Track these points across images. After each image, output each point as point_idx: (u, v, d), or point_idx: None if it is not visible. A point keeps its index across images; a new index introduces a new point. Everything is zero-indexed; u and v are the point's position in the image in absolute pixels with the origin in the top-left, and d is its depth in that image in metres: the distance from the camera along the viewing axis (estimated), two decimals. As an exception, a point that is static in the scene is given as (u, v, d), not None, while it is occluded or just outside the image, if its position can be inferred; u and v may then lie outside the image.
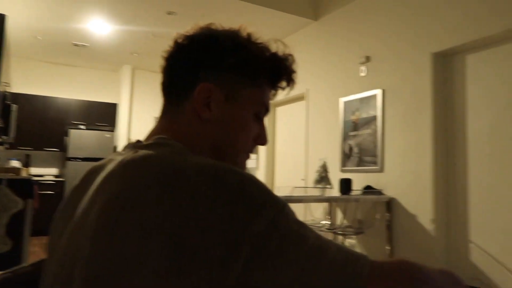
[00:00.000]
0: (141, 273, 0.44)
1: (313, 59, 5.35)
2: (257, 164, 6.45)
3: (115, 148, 6.99)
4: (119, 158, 0.57)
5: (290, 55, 0.69)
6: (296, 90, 4.62)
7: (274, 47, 0.68)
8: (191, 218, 0.46)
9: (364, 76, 4.55)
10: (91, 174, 0.60)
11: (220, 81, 0.64)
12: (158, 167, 0.51)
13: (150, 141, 0.60)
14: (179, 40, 0.66)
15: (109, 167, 0.56)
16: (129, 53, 6.49)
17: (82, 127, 6.84)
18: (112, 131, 7.10)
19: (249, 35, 0.67)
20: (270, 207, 0.49)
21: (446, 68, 3.87)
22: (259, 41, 0.68)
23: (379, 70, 4.38)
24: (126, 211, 0.48)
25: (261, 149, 6.35)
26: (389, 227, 4.04)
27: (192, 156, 0.54)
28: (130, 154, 0.56)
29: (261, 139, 0.71)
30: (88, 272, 0.47)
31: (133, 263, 0.45)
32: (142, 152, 0.56)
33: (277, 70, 0.68)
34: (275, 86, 0.70)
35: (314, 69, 5.32)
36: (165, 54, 0.67)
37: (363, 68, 4.55)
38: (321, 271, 0.48)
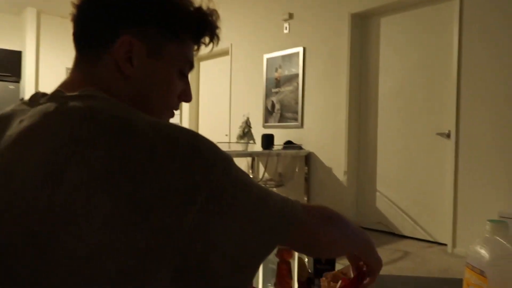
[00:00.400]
0: (90, 226, 0.43)
1: (237, 14, 5.26)
2: (180, 119, 6.35)
3: (21, 100, 6.38)
4: (38, 109, 0.51)
5: (215, 10, 0.67)
6: (220, 45, 4.53)
7: (198, 1, 0.66)
8: (147, 171, 0.46)
9: (287, 33, 4.59)
10: None
11: (143, 35, 0.60)
12: (107, 120, 0.48)
13: (77, 93, 0.54)
14: None
15: (27, 119, 0.51)
16: None
17: (-21, 76, 6.09)
18: (17, 82, 6.43)
19: None
20: (222, 160, 0.52)
21: (362, 30, 4.05)
22: None
23: (301, 27, 4.45)
24: (74, 164, 0.45)
25: (185, 104, 6.24)
26: (307, 179, 4.31)
27: (137, 111, 0.52)
28: (57, 106, 0.51)
29: (186, 96, 0.69)
30: (29, 226, 0.44)
31: (81, 216, 0.43)
32: (75, 103, 0.51)
33: (201, 24, 0.66)
34: (198, 42, 0.68)
35: (238, 24, 5.24)
36: (75, 1, 0.61)
37: (286, 25, 4.58)
38: (266, 215, 0.53)
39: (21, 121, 0.52)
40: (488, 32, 3.05)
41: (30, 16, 6.51)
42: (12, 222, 0.45)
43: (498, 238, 0.81)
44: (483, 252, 0.81)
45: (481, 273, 0.79)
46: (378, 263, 0.72)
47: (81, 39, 0.62)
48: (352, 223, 0.69)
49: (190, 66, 0.68)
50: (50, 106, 0.52)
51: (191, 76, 6.08)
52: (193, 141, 0.51)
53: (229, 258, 0.51)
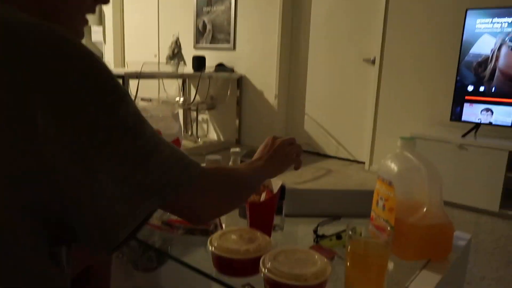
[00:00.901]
0: None
1: None
2: (103, 36, 5.87)
3: None
4: None
5: None
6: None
7: None
8: (26, 88, 0.41)
9: None
10: None
11: None
12: None
13: None
14: None
15: None
16: None
17: None
18: None
19: None
20: (112, 93, 0.47)
21: None
22: None
23: None
24: None
25: (108, 20, 5.73)
26: (239, 102, 4.33)
27: (22, 14, 0.46)
28: None
29: None
30: None
31: None
32: None
33: None
34: None
35: None
36: None
37: None
38: (150, 168, 0.48)
39: None
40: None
41: None
42: None
43: (406, 153, 0.90)
44: (393, 165, 0.90)
45: (390, 183, 0.88)
46: (288, 161, 0.82)
47: None
48: (246, 176, 0.71)
49: None
50: None
51: (113, -12, 5.48)
52: (87, 62, 0.46)
53: (93, 216, 0.46)
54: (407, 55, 3.24)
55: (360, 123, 3.68)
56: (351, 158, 3.81)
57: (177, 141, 1.00)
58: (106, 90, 0.46)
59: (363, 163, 3.65)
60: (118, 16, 5.75)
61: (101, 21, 5.89)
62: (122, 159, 0.46)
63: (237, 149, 1.00)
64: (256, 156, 0.80)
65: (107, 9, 5.72)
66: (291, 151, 0.83)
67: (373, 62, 3.47)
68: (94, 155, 0.44)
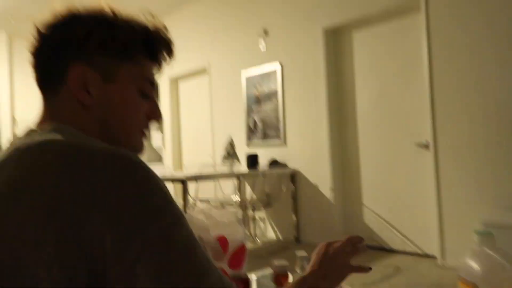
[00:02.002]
0: (35, 262, 0.44)
1: (213, 31, 5.27)
2: (163, 142, 6.30)
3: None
4: (15, 145, 0.55)
5: (162, 26, 0.68)
6: (197, 63, 4.58)
7: (143, 20, 0.67)
8: (87, 206, 0.46)
9: (262, 49, 4.61)
10: None
11: (92, 62, 0.61)
12: (59, 150, 0.51)
13: (44, 128, 0.58)
14: (42, 30, 0.63)
15: (4, 154, 0.55)
16: (1, 18, 5.65)
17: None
18: (-8, 107, 6.27)
19: (114, 12, 0.65)
20: (170, 216, 0.50)
21: (336, 44, 4.13)
22: (125, 16, 0.66)
23: (277, 43, 4.48)
24: (23, 195, 0.47)
25: (166, 127, 6.20)
26: (294, 198, 4.30)
27: (96, 141, 0.55)
28: (26, 141, 0.55)
29: (154, 114, 0.70)
30: None
31: (27, 251, 0.44)
32: (36, 137, 0.55)
33: (150, 42, 0.66)
34: (154, 60, 0.68)
35: (214, 42, 5.25)
36: (31, 49, 0.64)
37: (262, 41, 4.61)
38: None
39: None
40: (455, 40, 3.14)
41: (1, 41, 6.38)
42: None
43: (486, 249, 0.83)
44: (474, 265, 0.82)
45: (474, 286, 0.80)
46: (345, 274, 0.76)
47: (41, 81, 0.65)
48: None
49: (151, 84, 0.69)
50: (23, 141, 0.56)
51: (169, 97, 6.07)
52: (146, 179, 0.51)
53: None
54: (464, 135, 3.11)
55: (423, 212, 3.47)
56: (420, 252, 3.52)
57: (242, 248, 0.99)
58: (164, 212, 0.49)
59: (435, 257, 3.35)
60: (176, 122, 6.22)
61: (160, 128, 6.38)
62: (173, 282, 0.48)
63: (304, 253, 0.98)
64: (308, 268, 0.75)
65: (165, 116, 6.22)
66: (348, 260, 0.77)
67: (427, 146, 3.38)
68: (145, 276, 0.46)
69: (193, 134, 5.95)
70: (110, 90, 0.63)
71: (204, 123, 5.62)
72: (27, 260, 0.44)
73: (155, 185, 0.51)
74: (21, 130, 0.62)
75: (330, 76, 4.08)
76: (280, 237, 4.48)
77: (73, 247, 0.45)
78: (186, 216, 1.00)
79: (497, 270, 0.80)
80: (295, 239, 4.27)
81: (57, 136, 0.55)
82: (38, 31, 0.63)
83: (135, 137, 0.67)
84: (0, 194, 0.48)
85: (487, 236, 0.84)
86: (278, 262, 0.96)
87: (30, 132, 0.59)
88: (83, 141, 0.53)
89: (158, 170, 6.12)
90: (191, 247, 0.51)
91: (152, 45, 0.67)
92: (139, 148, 0.68)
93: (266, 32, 4.57)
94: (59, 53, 0.61)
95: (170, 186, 5.70)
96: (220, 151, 4.56)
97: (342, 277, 0.75)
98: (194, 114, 5.92)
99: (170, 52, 0.69)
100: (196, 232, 0.97)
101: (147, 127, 0.69)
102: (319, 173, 4.12)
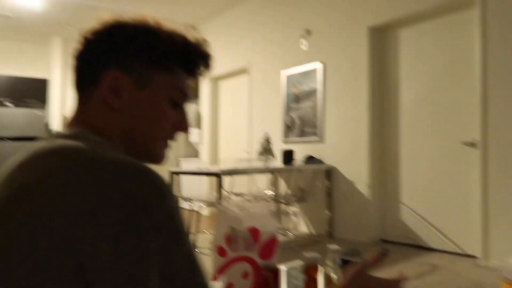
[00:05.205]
0: (24, 267, 0.44)
1: (254, 33, 5.35)
2: (200, 138, 6.43)
3: (46, 125, 6.60)
4: (35, 147, 0.56)
5: (202, 39, 0.69)
6: (238, 64, 4.66)
7: (184, 32, 0.67)
8: (85, 218, 0.45)
9: (304, 49, 4.64)
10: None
11: (128, 68, 0.62)
12: (70, 157, 0.51)
13: (67, 132, 0.60)
14: (87, 36, 0.64)
15: (22, 155, 0.55)
16: (57, 24, 6.03)
17: (8, 104, 6.34)
18: (43, 108, 6.67)
19: (156, 21, 0.66)
20: (168, 232, 0.49)
21: (381, 42, 4.06)
22: (167, 27, 0.66)
23: (319, 43, 4.49)
24: (27, 199, 0.47)
25: (205, 123, 6.33)
26: (329, 194, 4.27)
27: (111, 151, 0.54)
28: (44, 144, 0.55)
29: (182, 125, 0.69)
30: None
31: (19, 254, 0.45)
32: (56, 141, 0.56)
33: (188, 54, 0.67)
34: (190, 71, 0.68)
35: (256, 43, 5.33)
36: (74, 52, 0.66)
37: (303, 41, 4.63)
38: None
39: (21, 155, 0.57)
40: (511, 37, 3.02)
41: (56, 46, 6.79)
42: None
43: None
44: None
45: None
46: None
47: (78, 84, 0.66)
48: None
49: (183, 95, 0.68)
50: (41, 145, 0.56)
51: (210, 95, 6.23)
52: (154, 190, 0.50)
53: None
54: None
55: (466, 212, 3.35)
56: (460, 252, 3.41)
57: (274, 239, 1.01)
58: (165, 230, 0.49)
59: (475, 257, 3.23)
60: (214, 119, 6.33)
61: (198, 124, 6.51)
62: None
63: (336, 247, 0.98)
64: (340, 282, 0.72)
65: (205, 113, 6.36)
66: None
67: (473, 144, 3.26)
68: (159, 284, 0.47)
69: (231, 130, 6.03)
70: (141, 96, 0.63)
71: (242, 121, 5.69)
72: (17, 265, 0.44)
73: (160, 200, 0.49)
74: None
75: (373, 73, 4.01)
76: (313, 231, 4.47)
77: (64, 257, 0.44)
78: (220, 207, 1.03)
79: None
80: (328, 234, 4.25)
81: (76, 143, 0.55)
82: (83, 37, 0.65)
83: (158, 145, 0.67)
84: (9, 195, 0.49)
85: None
86: (309, 254, 0.97)
87: (54, 135, 0.60)
88: (99, 150, 0.53)
89: (194, 165, 6.27)
90: (189, 267, 0.50)
91: (190, 57, 0.67)
92: (161, 157, 0.68)
93: (308, 32, 4.57)
94: (99, 57, 0.63)
95: (205, 180, 5.82)
96: (257, 147, 4.60)
97: None
98: (233, 112, 6.01)
99: (207, 66, 0.70)
100: (228, 223, 1.00)
101: (172, 137, 0.69)
102: (356, 170, 4.07)
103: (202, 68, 0.69)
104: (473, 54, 3.25)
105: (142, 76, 0.63)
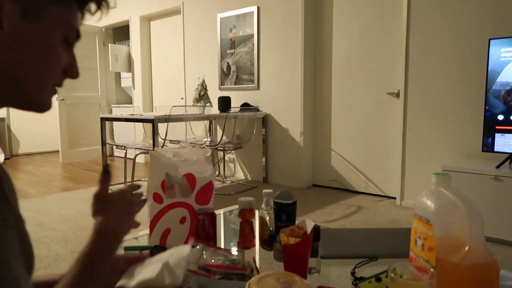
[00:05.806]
0: None
1: (188, -30, 5.03)
2: (133, 83, 6.13)
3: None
4: None
5: None
6: (171, 3, 4.36)
7: None
8: None
9: (241, -8, 4.46)
10: None
11: None
12: None
13: None
14: None
15: None
16: None
17: None
18: None
19: None
20: None
21: (318, -11, 4.02)
22: None
23: (256, -14, 4.33)
24: None
25: (136, 66, 6.00)
26: (265, 141, 4.36)
27: None
28: None
29: (72, 70, 0.60)
30: None
31: None
32: None
33: None
34: (82, 8, 0.59)
35: (190, -19, 5.02)
36: None
37: (240, -17, 4.44)
38: None
39: None
40: (437, -8, 3.14)
41: None
42: None
43: (442, 189, 0.88)
44: (429, 202, 0.88)
45: (427, 221, 0.86)
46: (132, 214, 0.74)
47: None
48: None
49: (77, 35, 0.60)
50: None
51: (141, 35, 5.85)
52: None
53: None
54: (433, 86, 3.22)
55: (388, 157, 3.63)
56: (381, 194, 3.73)
57: (210, 184, 1.01)
58: None
59: (394, 198, 3.56)
60: (146, 62, 6.02)
61: (130, 68, 6.17)
62: None
63: (270, 190, 1.01)
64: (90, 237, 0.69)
65: (136, 56, 6.01)
66: (133, 212, 0.74)
67: (398, 95, 3.47)
68: None
69: (165, 75, 5.81)
70: (29, 29, 0.52)
71: (176, 65, 5.48)
72: None
73: None
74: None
75: (308, 22, 4.00)
76: (249, 178, 4.59)
77: None
78: (155, 154, 0.99)
79: (450, 207, 0.85)
80: (264, 180, 4.39)
81: None
82: None
83: (46, 91, 0.56)
84: None
85: (443, 177, 0.88)
86: (245, 198, 0.99)
87: None
88: None
89: (127, 111, 6.01)
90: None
91: None
92: (48, 105, 0.58)
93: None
94: None
95: (139, 127, 5.64)
96: (192, 94, 4.49)
97: (129, 221, 0.72)
98: (166, 54, 5.74)
99: (101, 5, 0.60)
100: (163, 169, 0.97)
101: (60, 84, 0.59)
102: (290, 117, 4.17)
103: (96, 6, 0.60)
104: (401, 10, 3.35)
105: (32, 5, 0.52)
